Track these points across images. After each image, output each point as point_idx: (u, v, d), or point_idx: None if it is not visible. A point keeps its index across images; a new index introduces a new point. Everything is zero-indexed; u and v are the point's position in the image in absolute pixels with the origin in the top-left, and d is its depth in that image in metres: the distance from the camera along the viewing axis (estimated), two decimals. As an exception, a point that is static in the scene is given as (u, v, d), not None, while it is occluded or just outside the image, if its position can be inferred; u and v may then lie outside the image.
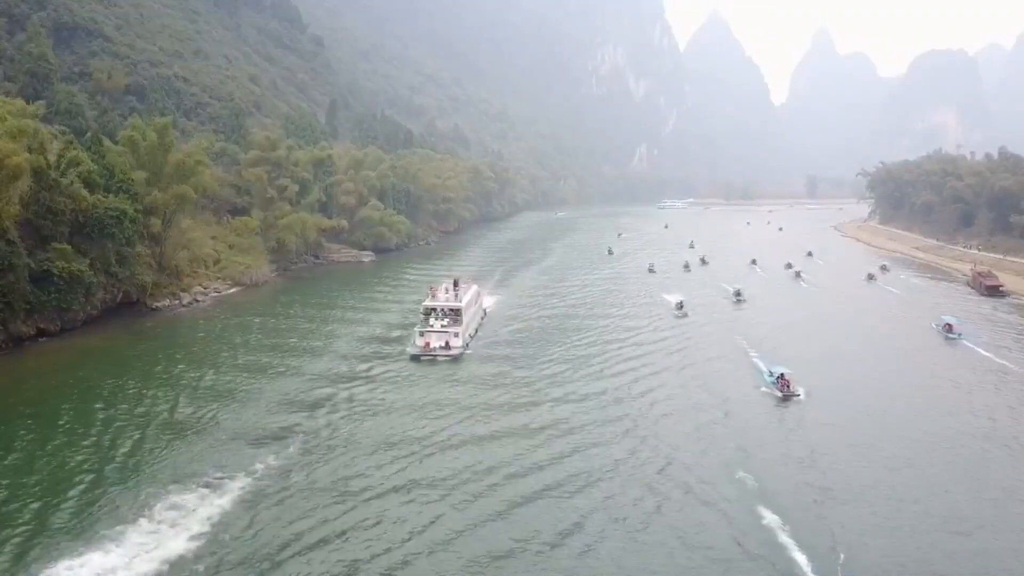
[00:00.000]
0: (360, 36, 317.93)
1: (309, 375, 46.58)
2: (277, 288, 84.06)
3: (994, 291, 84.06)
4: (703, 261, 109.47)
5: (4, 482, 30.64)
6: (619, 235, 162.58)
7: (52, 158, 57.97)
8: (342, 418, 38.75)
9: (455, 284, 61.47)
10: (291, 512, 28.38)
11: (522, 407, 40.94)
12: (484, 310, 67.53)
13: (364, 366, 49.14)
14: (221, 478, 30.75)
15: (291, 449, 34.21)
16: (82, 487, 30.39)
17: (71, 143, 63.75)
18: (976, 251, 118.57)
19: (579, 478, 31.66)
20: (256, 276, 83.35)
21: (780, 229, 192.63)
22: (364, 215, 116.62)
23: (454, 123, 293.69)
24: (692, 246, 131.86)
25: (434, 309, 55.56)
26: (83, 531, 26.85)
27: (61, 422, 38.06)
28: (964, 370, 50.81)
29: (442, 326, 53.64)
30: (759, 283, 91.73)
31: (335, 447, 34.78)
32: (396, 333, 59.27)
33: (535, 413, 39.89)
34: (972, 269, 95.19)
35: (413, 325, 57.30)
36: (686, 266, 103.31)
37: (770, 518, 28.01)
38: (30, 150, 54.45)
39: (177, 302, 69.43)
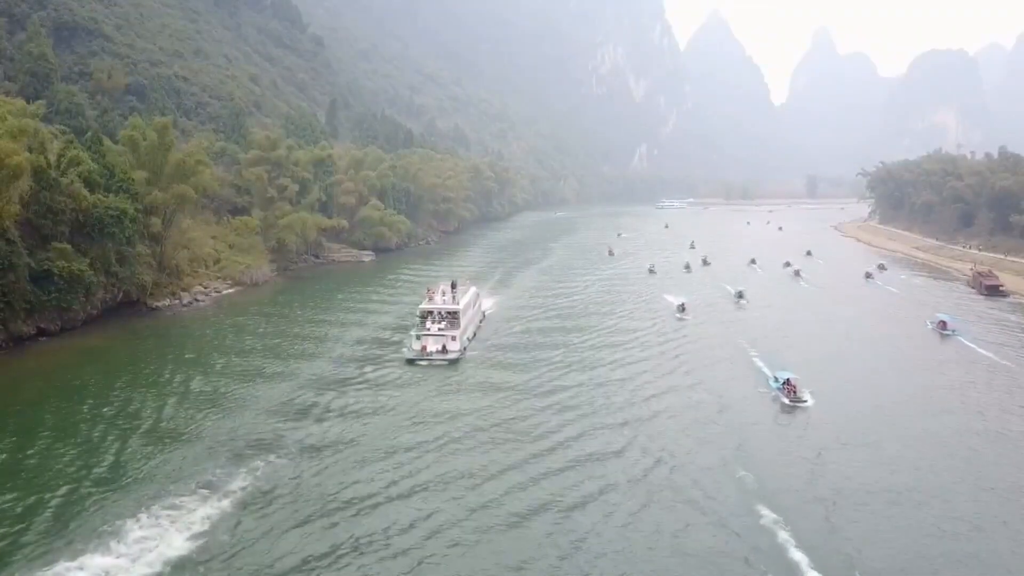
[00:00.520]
0: (360, 36, 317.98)
1: (304, 379, 45.65)
2: (277, 288, 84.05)
3: (994, 291, 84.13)
4: (705, 262, 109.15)
5: (3, 481, 30.68)
6: (619, 235, 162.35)
7: (52, 158, 57.93)
8: (334, 426, 37.65)
9: (453, 286, 59.94)
10: (278, 525, 27.49)
11: (521, 415, 39.91)
12: (483, 312, 66.17)
13: (360, 370, 48.16)
14: (210, 486, 30.09)
15: (279, 459, 33.17)
16: (79, 487, 30.35)
17: (71, 143, 63.72)
18: (976, 251, 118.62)
19: (579, 490, 30.66)
20: (256, 276, 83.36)
21: (780, 229, 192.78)
22: (364, 215, 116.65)
23: (454, 123, 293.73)
24: (693, 246, 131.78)
25: (431, 312, 54.47)
26: (79, 531, 26.83)
27: (60, 422, 38.02)
28: (957, 367, 51.84)
29: (439, 329, 52.47)
30: (759, 282, 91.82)
31: (324, 456, 33.75)
32: (394, 335, 58.32)
33: (533, 421, 38.89)
34: (972, 269, 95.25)
35: (411, 327, 56.35)
36: (687, 267, 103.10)
37: (783, 536, 26.91)
38: (30, 150, 54.45)
39: (177, 302, 69.44)
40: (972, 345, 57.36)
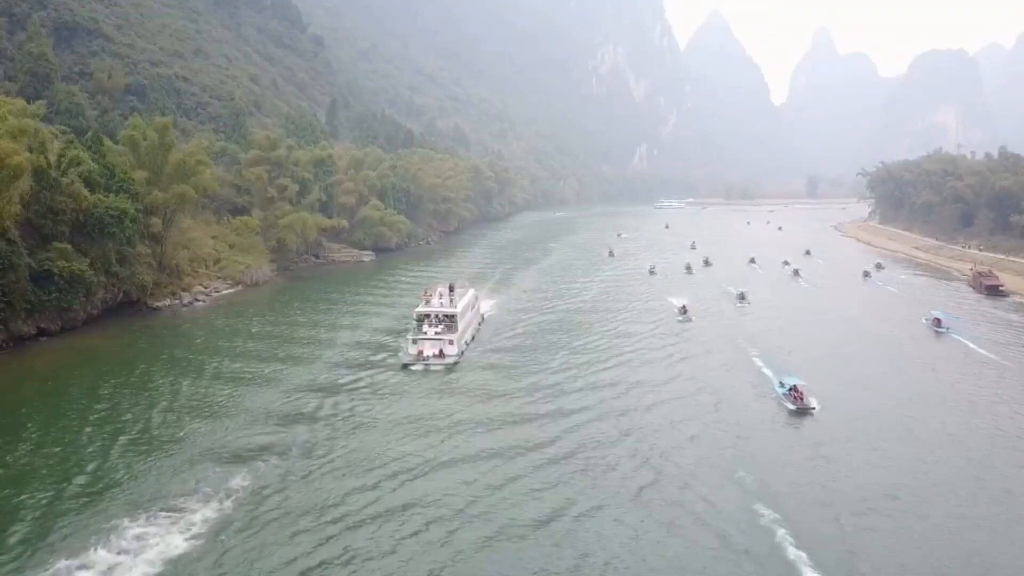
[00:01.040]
0: (360, 36, 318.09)
1: (298, 385, 44.75)
2: (277, 288, 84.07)
3: (994, 291, 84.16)
4: (706, 263, 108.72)
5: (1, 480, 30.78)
6: (619, 235, 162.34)
7: (53, 158, 57.98)
8: (326, 435, 36.50)
9: (451, 288, 58.50)
10: (266, 537, 26.60)
11: (519, 423, 38.78)
12: (482, 315, 64.91)
13: (356, 375, 47.04)
14: (199, 495, 29.49)
15: (268, 468, 32.22)
16: (72, 488, 30.43)
17: (71, 143, 63.77)
18: (976, 251, 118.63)
19: (581, 502, 29.47)
20: (256, 276, 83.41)
21: (780, 228, 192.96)
22: (364, 215, 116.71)
23: (454, 123, 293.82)
24: (693, 247, 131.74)
25: (428, 315, 53.21)
26: (74, 530, 26.93)
27: (58, 422, 38.04)
28: (953, 364, 52.73)
29: (436, 333, 51.26)
30: (758, 282, 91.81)
31: (315, 466, 32.69)
32: (391, 338, 57.36)
33: (533, 429, 37.66)
34: (972, 269, 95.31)
35: (407, 330, 55.23)
36: (688, 268, 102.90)
37: (795, 555, 25.70)
38: (31, 150, 54.52)
39: (177, 302, 69.48)
40: (966, 342, 58.39)
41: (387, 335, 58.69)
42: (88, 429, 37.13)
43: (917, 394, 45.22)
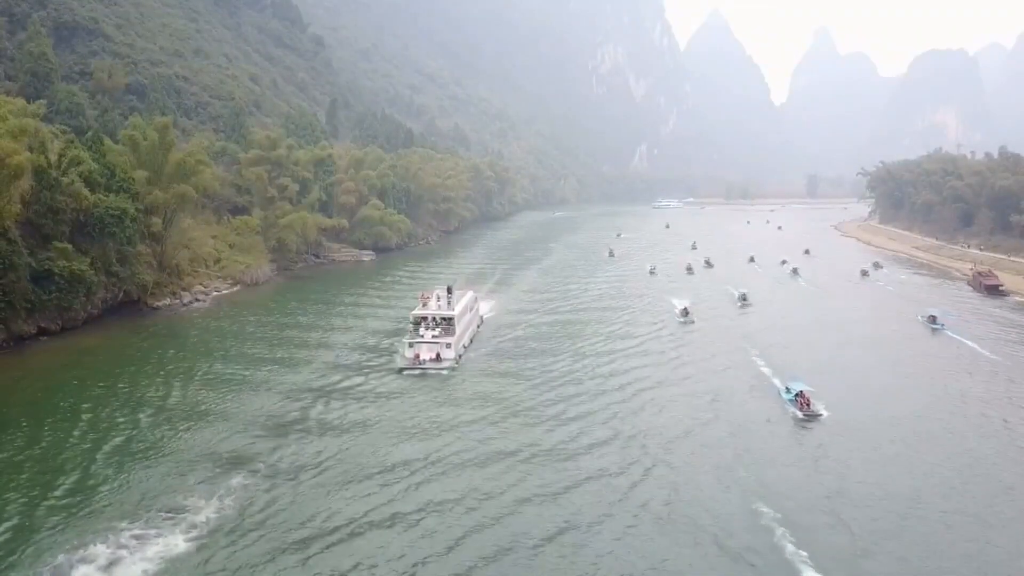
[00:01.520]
0: (360, 35, 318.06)
1: (293, 389, 44.07)
2: (277, 288, 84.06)
3: (994, 290, 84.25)
4: (707, 263, 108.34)
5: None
6: (618, 235, 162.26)
7: (53, 157, 57.99)
8: (318, 442, 35.61)
9: (448, 290, 56.88)
10: (254, 550, 25.86)
11: (519, 429, 37.77)
12: (481, 317, 64.03)
13: (352, 380, 46.16)
14: (187, 504, 28.93)
15: (257, 476, 31.43)
16: (68, 489, 30.54)
17: (72, 142, 63.82)
18: (976, 251, 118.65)
19: (582, 516, 28.52)
20: (256, 275, 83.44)
21: (779, 228, 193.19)
22: (364, 214, 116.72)
23: (454, 122, 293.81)
24: (694, 247, 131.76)
25: (425, 318, 51.99)
26: (68, 531, 27.00)
27: (58, 422, 38.11)
28: (945, 360, 54.12)
29: (433, 336, 50.10)
30: (758, 281, 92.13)
31: (305, 475, 31.79)
32: (390, 340, 56.71)
33: (532, 436, 36.58)
34: (972, 268, 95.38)
35: (405, 333, 54.41)
36: (688, 268, 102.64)
37: (805, 573, 24.84)
38: (31, 149, 54.54)
39: (178, 301, 69.51)
40: (960, 338, 59.88)
41: (385, 337, 58.37)
42: (84, 429, 37.14)
43: (916, 393, 45.46)
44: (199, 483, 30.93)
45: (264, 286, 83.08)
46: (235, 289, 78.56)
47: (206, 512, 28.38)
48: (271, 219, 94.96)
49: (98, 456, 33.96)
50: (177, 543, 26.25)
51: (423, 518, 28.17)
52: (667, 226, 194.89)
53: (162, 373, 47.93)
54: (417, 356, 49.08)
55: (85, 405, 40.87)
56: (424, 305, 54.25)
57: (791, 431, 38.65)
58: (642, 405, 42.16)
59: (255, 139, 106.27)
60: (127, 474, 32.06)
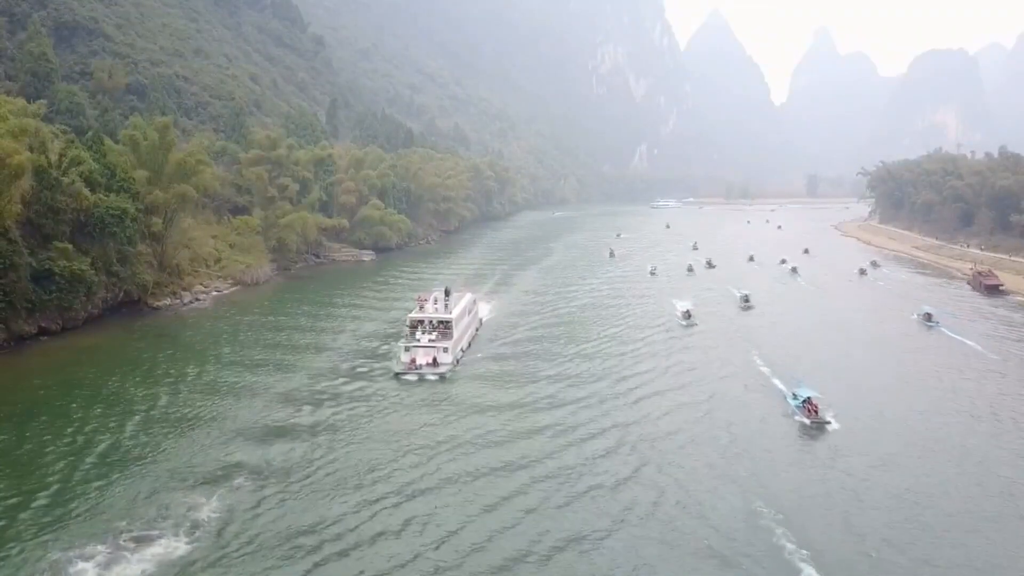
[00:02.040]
0: (360, 35, 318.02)
1: (290, 393, 43.45)
2: (277, 288, 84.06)
3: (994, 290, 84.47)
4: (709, 264, 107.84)
5: None
6: (618, 235, 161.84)
7: (53, 157, 58.03)
8: (309, 450, 34.90)
9: (446, 293, 56.08)
10: (244, 557, 25.58)
11: (516, 439, 36.83)
12: (480, 319, 62.89)
13: (349, 385, 45.55)
14: (174, 513, 28.56)
15: (244, 484, 30.89)
16: (66, 490, 30.59)
17: (72, 142, 63.85)
18: (977, 250, 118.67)
19: (581, 530, 27.61)
20: (256, 275, 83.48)
21: (779, 227, 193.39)
22: (364, 214, 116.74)
23: (454, 122, 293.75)
24: (695, 247, 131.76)
25: (421, 321, 50.85)
26: (65, 532, 27.06)
27: (57, 421, 38.16)
28: (939, 356, 56.00)
29: (430, 340, 48.88)
30: (758, 280, 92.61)
31: (293, 484, 31.07)
32: (388, 343, 55.83)
33: (531, 446, 35.81)
34: (972, 268, 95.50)
35: (402, 335, 53.21)
36: (689, 269, 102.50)
37: None
38: (31, 149, 54.55)
39: (178, 301, 69.58)
40: (953, 335, 62.03)
41: (383, 339, 57.81)
42: (83, 430, 37.18)
43: (915, 392, 46.20)
44: (196, 486, 30.83)
45: (264, 286, 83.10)
46: (235, 289, 78.58)
47: (204, 514, 28.34)
48: (271, 219, 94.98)
49: (96, 457, 33.96)
50: (177, 545, 26.27)
51: (417, 529, 27.53)
52: (667, 226, 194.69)
53: (161, 374, 47.93)
54: (413, 361, 48.01)
55: (84, 405, 40.90)
56: (421, 308, 53.33)
57: (799, 440, 37.78)
58: (645, 413, 41.14)
59: (255, 139, 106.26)
60: (125, 476, 32.03)
